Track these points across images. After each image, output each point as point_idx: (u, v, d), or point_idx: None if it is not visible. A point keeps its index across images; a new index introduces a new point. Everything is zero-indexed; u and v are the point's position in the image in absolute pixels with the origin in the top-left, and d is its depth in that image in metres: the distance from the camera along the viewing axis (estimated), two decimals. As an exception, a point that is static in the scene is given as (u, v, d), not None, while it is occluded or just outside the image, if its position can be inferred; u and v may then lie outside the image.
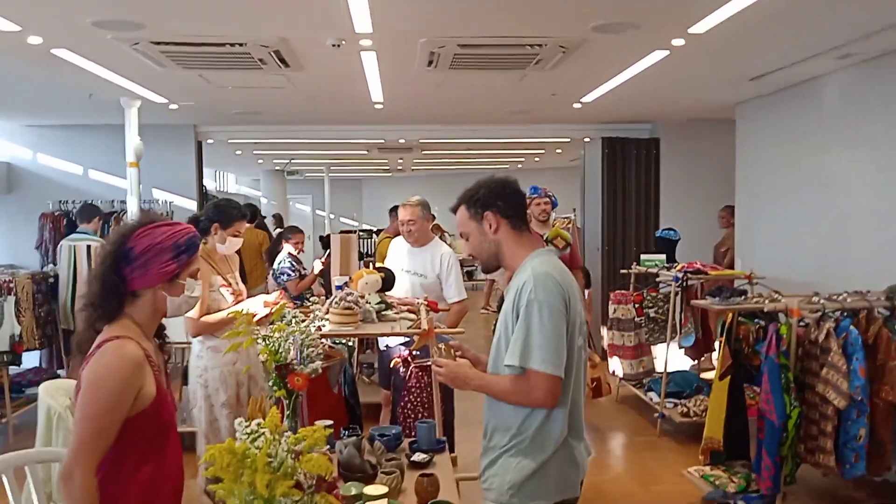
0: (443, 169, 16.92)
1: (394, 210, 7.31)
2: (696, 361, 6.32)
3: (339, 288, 3.64)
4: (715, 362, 4.96)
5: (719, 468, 4.46)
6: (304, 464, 1.51)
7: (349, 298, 3.42)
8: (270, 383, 2.85)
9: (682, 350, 6.15)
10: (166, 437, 1.99)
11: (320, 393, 3.50)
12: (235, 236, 3.74)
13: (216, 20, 4.16)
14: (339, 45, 4.62)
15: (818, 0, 3.88)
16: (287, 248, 6.36)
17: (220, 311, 3.58)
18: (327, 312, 3.45)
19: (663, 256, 6.49)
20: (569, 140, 9.96)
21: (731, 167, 7.43)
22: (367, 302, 3.52)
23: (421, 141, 10.24)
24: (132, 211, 6.31)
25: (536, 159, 14.47)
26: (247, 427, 1.66)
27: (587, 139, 8.98)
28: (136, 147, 6.15)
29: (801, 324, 4.00)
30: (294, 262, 6.20)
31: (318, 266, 6.10)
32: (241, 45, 4.56)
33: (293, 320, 2.89)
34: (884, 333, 3.85)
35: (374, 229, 14.33)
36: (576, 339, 2.14)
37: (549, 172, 15.00)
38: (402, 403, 3.69)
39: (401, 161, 14.55)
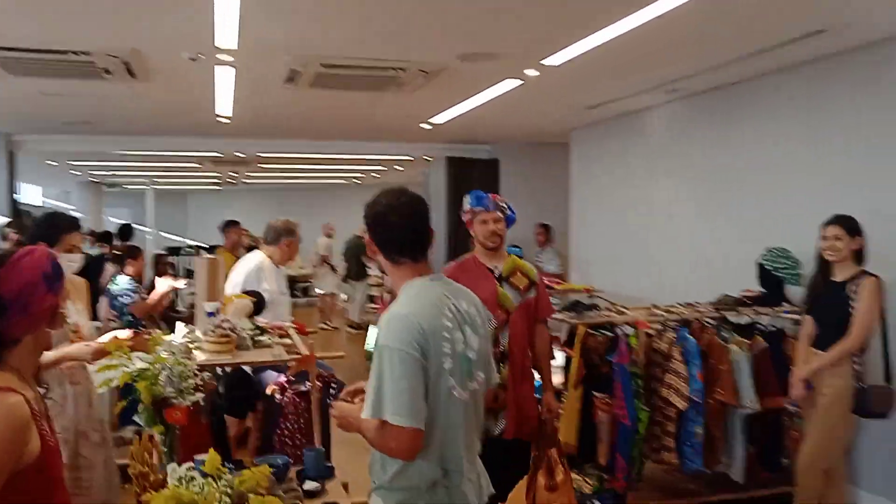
0: (277, 183, 16.50)
1: (229, 225, 7.06)
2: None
3: (211, 314, 3.46)
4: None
5: (574, 471, 4.76)
6: (254, 507, 1.46)
7: (224, 325, 3.28)
8: (143, 421, 2.70)
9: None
10: (52, 495, 1.79)
11: (192, 424, 3.31)
12: (69, 251, 3.10)
13: (62, 27, 3.83)
14: (196, 59, 4.42)
15: (662, 41, 4.28)
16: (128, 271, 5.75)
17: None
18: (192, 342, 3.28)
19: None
20: (412, 158, 10.16)
21: (566, 187, 7.96)
22: (242, 329, 3.40)
23: (258, 154, 9.97)
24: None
25: (375, 175, 14.48)
26: (176, 472, 1.57)
27: (430, 158, 9.22)
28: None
29: (646, 334, 4.39)
30: (136, 283, 5.69)
31: (162, 286, 5.40)
32: (85, 53, 4.22)
33: (172, 352, 2.75)
34: (715, 341, 4.33)
35: (208, 245, 13.59)
36: (442, 380, 1.93)
37: (387, 189, 15.03)
38: (279, 431, 3.57)
39: (234, 174, 14.01)
